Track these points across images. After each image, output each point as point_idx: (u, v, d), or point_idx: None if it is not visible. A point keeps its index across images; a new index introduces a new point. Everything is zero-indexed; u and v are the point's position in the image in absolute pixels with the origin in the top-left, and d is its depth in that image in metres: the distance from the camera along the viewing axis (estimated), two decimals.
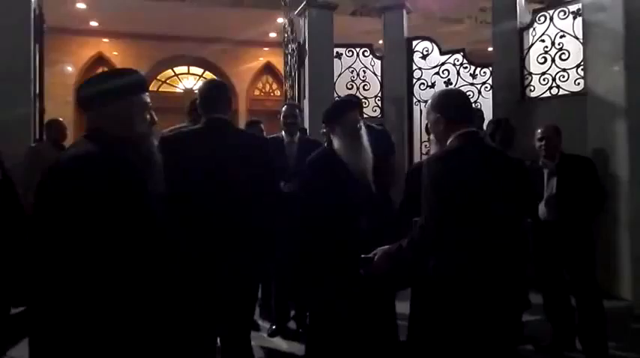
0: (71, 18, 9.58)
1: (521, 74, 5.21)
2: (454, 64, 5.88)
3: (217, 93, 2.30)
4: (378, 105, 6.21)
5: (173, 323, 1.46)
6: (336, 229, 2.46)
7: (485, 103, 5.57)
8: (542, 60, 5.09)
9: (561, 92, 4.96)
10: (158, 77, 11.91)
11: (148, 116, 1.46)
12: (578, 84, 4.83)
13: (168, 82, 12.06)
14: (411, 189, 2.64)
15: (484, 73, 5.72)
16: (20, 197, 2.78)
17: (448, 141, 2.01)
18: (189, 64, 12.09)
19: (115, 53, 11.27)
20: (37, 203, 1.32)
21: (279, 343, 3.60)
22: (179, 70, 12.11)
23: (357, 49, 6.18)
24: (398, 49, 6.06)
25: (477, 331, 1.90)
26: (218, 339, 2.37)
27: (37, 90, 4.94)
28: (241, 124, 10.78)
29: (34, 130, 4.83)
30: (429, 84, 5.96)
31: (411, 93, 6.06)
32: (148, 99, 1.48)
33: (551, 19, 5.05)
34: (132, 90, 1.44)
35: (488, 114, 5.22)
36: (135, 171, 1.36)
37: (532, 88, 5.18)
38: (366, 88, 6.17)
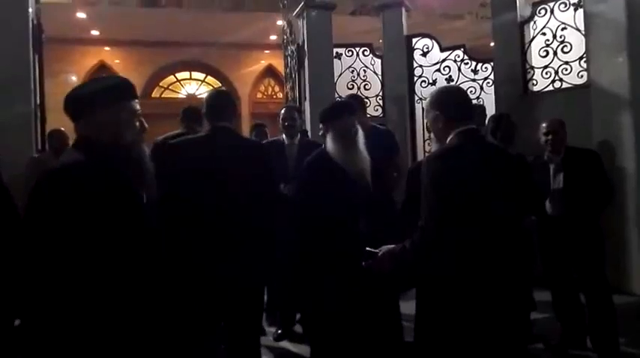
0: (72, 28, 9.64)
1: (523, 68, 5.15)
2: (455, 61, 5.83)
3: (222, 102, 2.42)
4: (379, 105, 6.18)
5: (169, 328, 1.45)
6: (333, 231, 2.44)
7: (488, 99, 5.52)
8: (544, 53, 5.02)
9: (564, 85, 4.90)
10: (160, 83, 11.95)
11: (137, 123, 1.44)
12: (582, 76, 4.76)
13: (170, 87, 12.09)
14: (411, 189, 2.61)
15: (485, 68, 5.67)
16: (19, 208, 2.77)
17: (448, 139, 1.98)
18: (190, 70, 12.12)
19: (117, 61, 11.33)
20: (26, 213, 1.31)
21: (286, 345, 3.59)
22: (181, 75, 12.14)
23: (357, 49, 6.14)
24: (398, 48, 6.02)
25: (482, 331, 1.87)
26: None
27: (38, 101, 4.95)
28: (245, 128, 10.85)
29: (35, 140, 4.84)
30: (431, 81, 5.91)
31: (412, 92, 6.02)
32: (137, 106, 1.46)
33: (552, 11, 4.99)
34: (118, 97, 1.42)
35: (490, 110, 5.18)
36: (123, 179, 1.34)
37: (534, 82, 5.11)
38: (367, 87, 6.13)
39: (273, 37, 10.78)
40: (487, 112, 4.70)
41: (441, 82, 5.79)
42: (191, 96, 11.85)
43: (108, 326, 1.28)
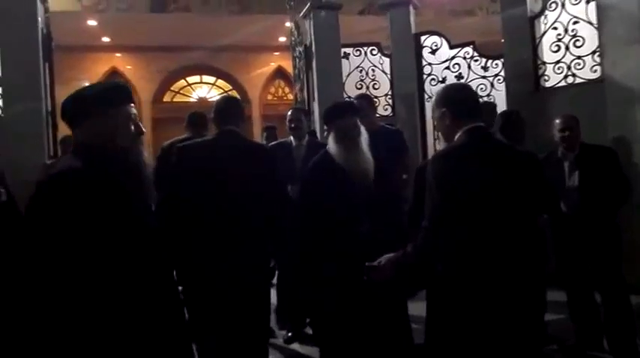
0: (83, 35, 9.76)
1: (535, 64, 5.05)
2: (464, 58, 5.75)
3: (229, 106, 2.55)
4: (389, 104, 6.13)
5: (169, 329, 1.44)
6: (333, 231, 2.44)
7: (499, 96, 5.43)
8: (556, 48, 4.92)
9: (577, 80, 4.79)
10: (171, 88, 12.05)
11: (133, 127, 1.44)
12: (595, 71, 4.66)
13: (181, 92, 12.19)
14: (418, 188, 2.58)
15: (496, 65, 5.58)
16: None
17: (456, 137, 1.95)
18: (201, 73, 12.19)
19: (129, 67, 11.44)
20: (25, 219, 1.32)
21: (296, 348, 3.59)
22: (192, 79, 12.22)
23: (365, 48, 6.09)
24: (406, 46, 5.96)
25: (494, 333, 1.83)
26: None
27: (50, 108, 5.01)
28: (256, 130, 10.88)
29: (47, 147, 4.90)
30: (440, 79, 5.84)
31: (421, 90, 5.95)
32: (133, 110, 1.45)
33: (563, 5, 4.89)
34: (113, 102, 1.41)
35: (502, 107, 5.07)
36: (119, 184, 1.33)
37: (546, 77, 5.02)
38: (375, 86, 6.08)
39: (282, 39, 10.79)
40: (498, 110, 4.64)
41: (451, 80, 5.71)
42: (202, 100, 11.93)
43: (105, 329, 1.27)
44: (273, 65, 12.31)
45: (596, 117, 4.26)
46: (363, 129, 2.58)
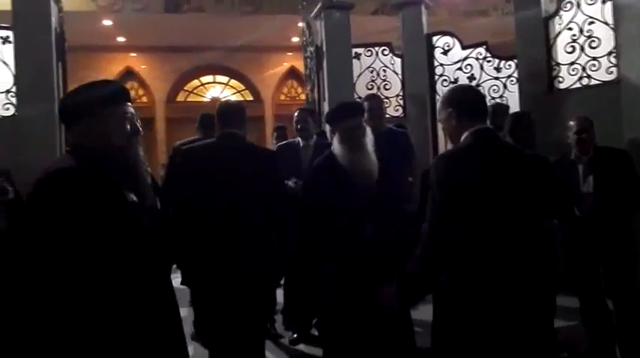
0: (99, 35, 9.86)
1: (549, 65, 4.97)
2: (477, 59, 5.67)
3: (231, 111, 2.61)
4: (400, 104, 6.07)
5: (163, 331, 1.43)
6: (336, 231, 2.43)
7: (512, 97, 5.35)
8: (571, 49, 4.84)
9: (592, 82, 4.70)
10: (185, 87, 12.12)
11: (129, 126, 1.43)
12: (611, 72, 4.56)
13: (195, 91, 12.25)
14: (423, 190, 2.57)
15: (509, 66, 5.49)
16: None
17: (462, 138, 1.93)
18: (214, 73, 12.25)
19: (144, 66, 11.54)
20: (22, 218, 1.33)
21: (302, 348, 3.59)
22: (205, 79, 12.28)
23: (376, 48, 6.04)
24: (418, 46, 5.90)
25: (501, 338, 1.80)
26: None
27: None
28: (269, 130, 10.89)
29: (59, 146, 4.95)
30: (452, 80, 5.77)
31: (433, 91, 5.89)
32: (130, 110, 1.45)
33: (579, 5, 4.80)
34: (108, 102, 1.41)
35: (515, 109, 5.02)
36: (112, 183, 1.33)
37: (560, 79, 4.93)
38: (386, 87, 6.03)
39: (295, 39, 10.77)
40: (511, 111, 4.57)
41: (463, 81, 5.64)
42: (215, 100, 11.97)
43: (96, 327, 1.27)
44: (286, 65, 12.31)
45: (611, 120, 4.17)
46: (368, 129, 2.56)
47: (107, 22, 9.56)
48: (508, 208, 1.77)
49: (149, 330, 1.35)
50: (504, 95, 5.47)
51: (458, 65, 5.78)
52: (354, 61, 5.97)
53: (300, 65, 11.64)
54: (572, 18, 4.84)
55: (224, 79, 12.34)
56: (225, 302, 2.34)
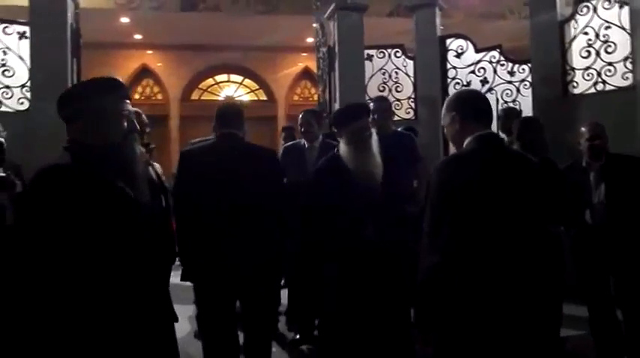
0: (116, 32, 9.98)
1: (563, 70, 4.90)
2: (490, 62, 5.60)
3: (229, 112, 2.65)
4: (411, 107, 6.04)
5: (153, 328, 1.43)
6: (337, 232, 2.43)
7: (525, 101, 5.28)
8: (586, 54, 4.76)
9: (607, 87, 4.62)
10: (200, 86, 12.20)
11: (126, 124, 1.43)
12: (627, 78, 4.49)
13: (209, 90, 12.32)
14: (427, 194, 2.54)
15: (523, 69, 5.41)
16: None
17: (465, 143, 1.90)
18: (229, 72, 12.31)
19: (159, 64, 11.65)
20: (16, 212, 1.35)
21: (304, 349, 3.59)
22: (219, 78, 12.34)
23: (389, 50, 6.02)
24: (430, 49, 5.85)
25: (503, 346, 1.76)
26: None
27: None
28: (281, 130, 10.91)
29: None
30: (464, 83, 5.71)
31: (445, 94, 5.82)
32: (127, 107, 1.45)
33: (595, 9, 4.72)
34: (104, 100, 1.41)
35: (528, 113, 4.97)
36: (105, 180, 1.33)
37: (575, 84, 4.86)
38: (398, 89, 6.00)
39: (310, 40, 10.76)
40: (524, 116, 4.51)
41: (476, 84, 5.59)
42: (229, 99, 12.04)
43: (91, 326, 1.27)
44: (300, 66, 12.32)
45: (626, 126, 4.11)
46: (374, 131, 2.55)
47: (124, 20, 9.68)
48: (509, 213, 1.75)
49: (136, 327, 1.35)
50: (517, 99, 5.40)
51: (471, 68, 5.72)
52: (366, 62, 5.96)
53: (314, 66, 11.62)
54: (589, 22, 4.76)
55: (238, 78, 12.39)
56: (226, 300, 2.37)
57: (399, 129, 4.12)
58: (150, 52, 11.57)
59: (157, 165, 4.52)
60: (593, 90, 4.72)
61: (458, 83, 5.77)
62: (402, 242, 2.36)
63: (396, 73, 6.01)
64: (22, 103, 4.84)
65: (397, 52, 6.02)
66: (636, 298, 2.91)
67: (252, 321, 2.48)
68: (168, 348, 1.48)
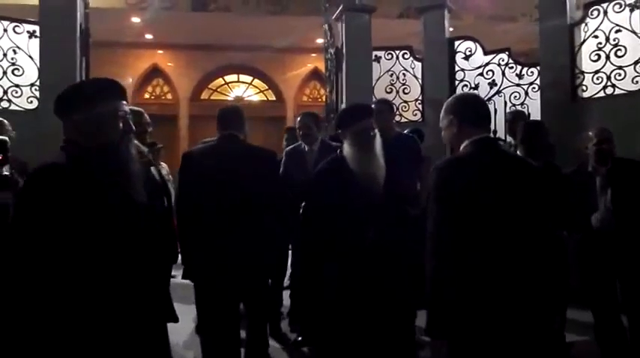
0: (127, 32, 10.08)
1: (572, 73, 4.84)
2: (499, 65, 5.56)
3: (229, 114, 2.71)
4: (418, 109, 6.01)
5: (158, 324, 1.44)
6: (338, 233, 2.42)
7: (533, 105, 5.23)
8: (596, 57, 4.70)
9: (617, 91, 4.56)
10: (209, 86, 12.27)
11: (122, 124, 1.44)
12: (637, 82, 4.42)
13: (219, 90, 12.39)
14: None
15: (531, 72, 5.36)
16: None
17: (462, 147, 1.90)
18: (238, 73, 12.36)
19: (170, 64, 11.73)
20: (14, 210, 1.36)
21: (305, 351, 3.59)
22: (229, 78, 12.40)
23: (397, 52, 6.00)
24: (439, 51, 5.82)
25: (505, 350, 1.75)
26: None
27: None
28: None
29: None
30: (472, 86, 5.68)
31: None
32: (124, 108, 1.46)
33: (606, 13, 4.66)
34: (102, 99, 1.42)
35: (536, 117, 4.94)
36: (98, 181, 1.34)
37: (584, 87, 4.80)
38: (406, 91, 5.98)
39: (319, 41, 10.76)
40: (532, 119, 4.48)
41: (484, 87, 5.55)
42: (238, 99, 12.10)
43: (83, 326, 1.28)
44: (309, 66, 12.34)
45: (636, 130, 4.04)
46: (377, 133, 2.54)
47: (135, 20, 9.76)
48: (507, 217, 1.73)
49: (129, 325, 1.35)
50: (526, 102, 5.35)
51: (479, 71, 5.68)
52: (374, 64, 5.95)
53: (323, 67, 11.65)
54: (599, 26, 4.70)
55: (248, 78, 12.44)
56: (225, 299, 2.39)
57: (406, 131, 4.12)
58: (160, 51, 11.65)
59: (163, 165, 4.56)
60: (602, 94, 4.66)
61: (466, 85, 5.73)
62: (402, 242, 2.34)
63: (404, 74, 6.00)
64: (31, 102, 4.90)
65: (405, 53, 6.01)
66: None
67: (252, 321, 2.50)
68: (160, 349, 1.48)
